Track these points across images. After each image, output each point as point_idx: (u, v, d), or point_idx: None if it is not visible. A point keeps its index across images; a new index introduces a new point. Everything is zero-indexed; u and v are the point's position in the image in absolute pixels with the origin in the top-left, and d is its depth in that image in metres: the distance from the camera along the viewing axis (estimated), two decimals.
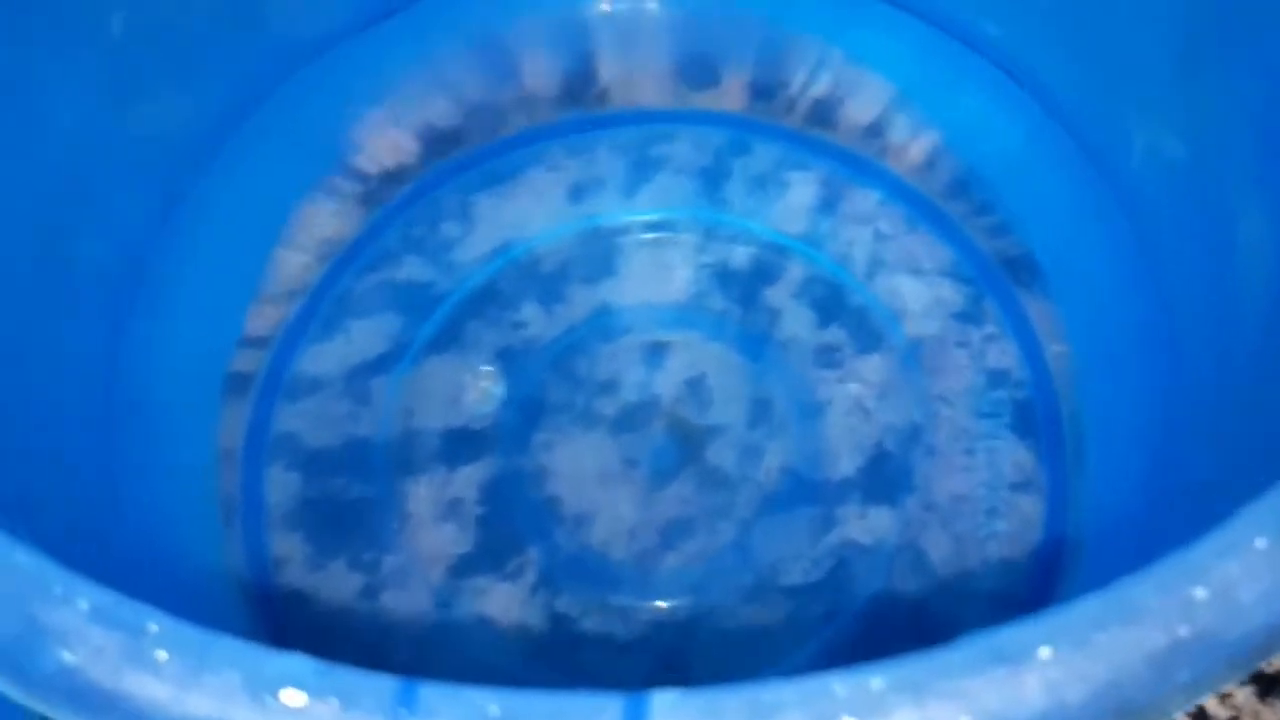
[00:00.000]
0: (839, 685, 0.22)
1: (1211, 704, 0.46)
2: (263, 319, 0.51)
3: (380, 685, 0.22)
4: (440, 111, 0.54)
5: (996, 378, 0.49)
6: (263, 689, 0.22)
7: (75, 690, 0.23)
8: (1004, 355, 0.50)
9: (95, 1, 0.44)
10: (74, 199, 0.45)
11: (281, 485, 0.49)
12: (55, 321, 0.44)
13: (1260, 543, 0.22)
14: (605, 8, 0.55)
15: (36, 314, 0.43)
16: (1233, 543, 0.23)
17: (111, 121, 0.46)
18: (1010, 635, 0.22)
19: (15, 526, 0.26)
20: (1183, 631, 0.22)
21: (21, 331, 0.42)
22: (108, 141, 0.46)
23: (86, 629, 0.23)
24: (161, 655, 0.23)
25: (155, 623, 0.23)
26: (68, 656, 0.23)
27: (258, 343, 0.51)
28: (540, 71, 0.55)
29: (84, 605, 0.23)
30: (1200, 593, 0.22)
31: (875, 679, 0.22)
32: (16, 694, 0.23)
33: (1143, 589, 0.22)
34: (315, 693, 0.22)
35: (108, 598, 0.23)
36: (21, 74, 0.42)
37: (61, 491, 0.41)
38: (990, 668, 0.22)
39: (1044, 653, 0.22)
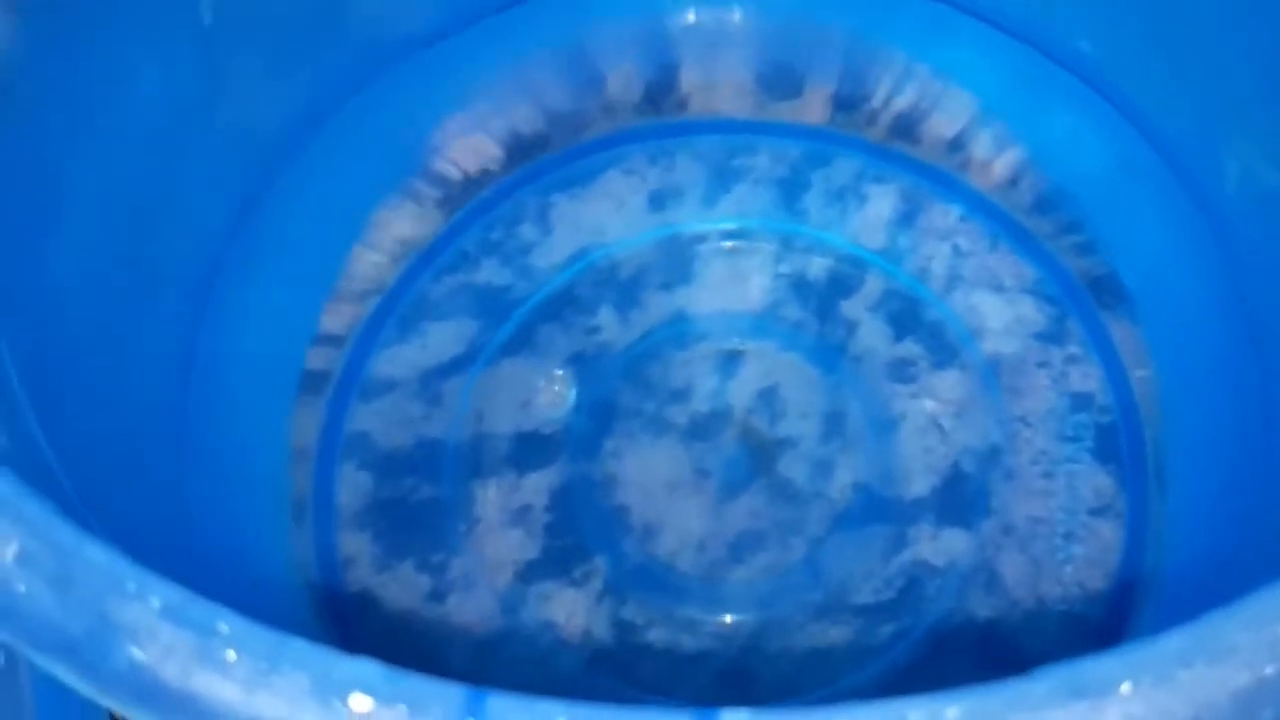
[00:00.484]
0: (914, 713, 0.21)
1: None
2: (339, 318, 0.51)
3: (448, 693, 0.22)
4: (523, 117, 0.54)
5: (1079, 400, 0.49)
6: (331, 693, 0.22)
7: (145, 688, 0.23)
8: (1087, 378, 0.49)
9: None
10: (160, 192, 0.45)
11: (352, 485, 0.49)
12: (136, 314, 0.44)
13: None
14: (690, 18, 0.55)
15: (119, 306, 0.43)
16: None
17: (199, 115, 0.46)
18: (1091, 668, 0.22)
19: (89, 519, 0.26)
20: (1269, 670, 0.21)
21: (103, 322, 0.42)
22: (195, 135, 0.46)
23: (158, 626, 0.23)
24: (231, 655, 0.23)
25: (226, 622, 0.23)
26: (138, 654, 0.23)
27: (333, 341, 0.51)
28: (623, 79, 0.55)
29: (155, 603, 0.23)
30: None
31: (951, 709, 0.21)
32: (87, 690, 0.23)
33: (1229, 626, 0.22)
34: (383, 699, 0.22)
35: (179, 596, 0.23)
36: (116, 65, 0.42)
37: (135, 484, 0.41)
38: (1070, 701, 0.21)
39: (1125, 688, 0.21)
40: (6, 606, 0.24)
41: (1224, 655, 0.22)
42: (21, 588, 0.24)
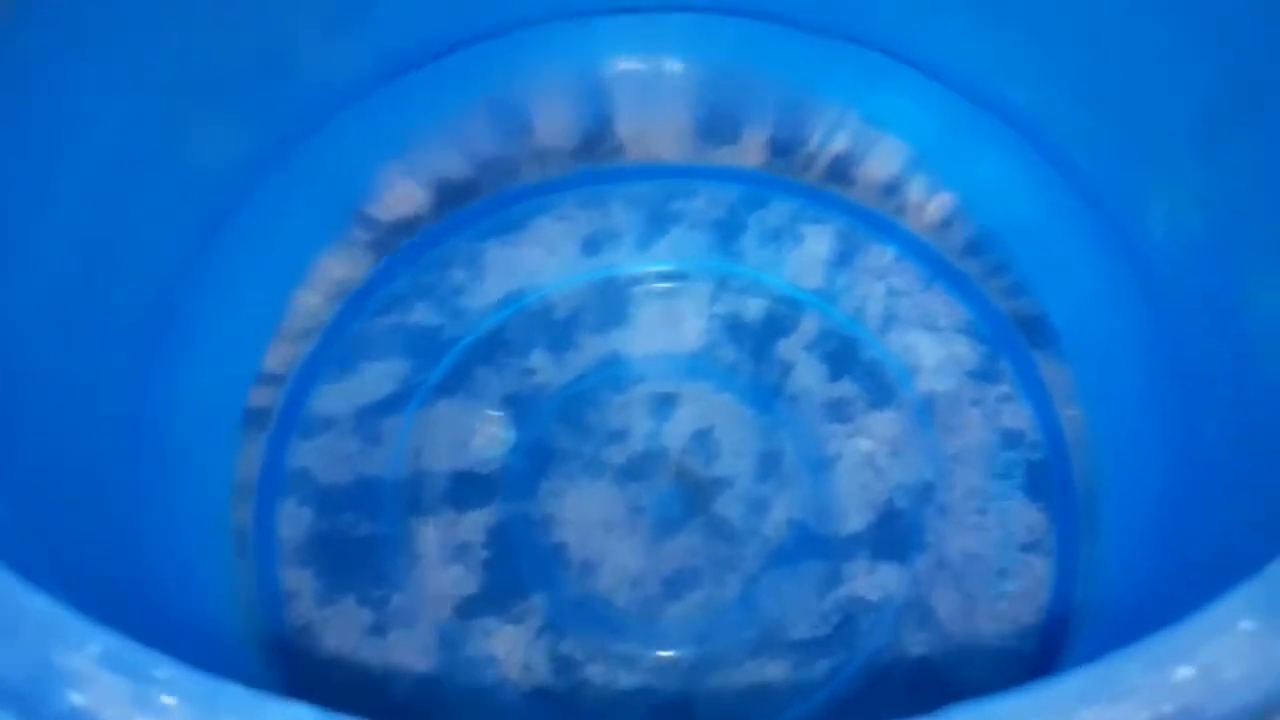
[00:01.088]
0: None
1: None
2: (280, 356, 0.52)
3: None
4: (452, 164, 0.55)
5: (1010, 438, 0.50)
6: None
7: None
8: (1018, 416, 0.50)
9: (143, 43, 0.45)
10: (113, 234, 0.45)
11: (294, 520, 0.49)
12: (89, 352, 0.44)
13: (1246, 624, 0.23)
14: (625, 66, 0.56)
15: (71, 344, 0.43)
16: (1220, 624, 0.23)
17: (152, 162, 0.47)
18: (996, 709, 0.22)
19: (33, 556, 0.26)
20: (1167, 709, 0.22)
21: (56, 361, 0.42)
22: (147, 181, 0.47)
23: (97, 673, 0.23)
24: (169, 700, 0.23)
25: (163, 669, 0.23)
26: (78, 699, 0.23)
27: (275, 379, 0.51)
28: (555, 126, 0.55)
29: (95, 649, 0.23)
30: (1185, 671, 0.22)
31: None
32: None
33: (1130, 666, 0.22)
34: None
35: (118, 643, 0.23)
36: (72, 112, 0.43)
37: (85, 518, 0.42)
38: None
39: None
40: None
41: (1124, 695, 0.22)
42: None
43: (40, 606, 0.24)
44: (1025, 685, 0.22)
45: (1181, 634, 0.23)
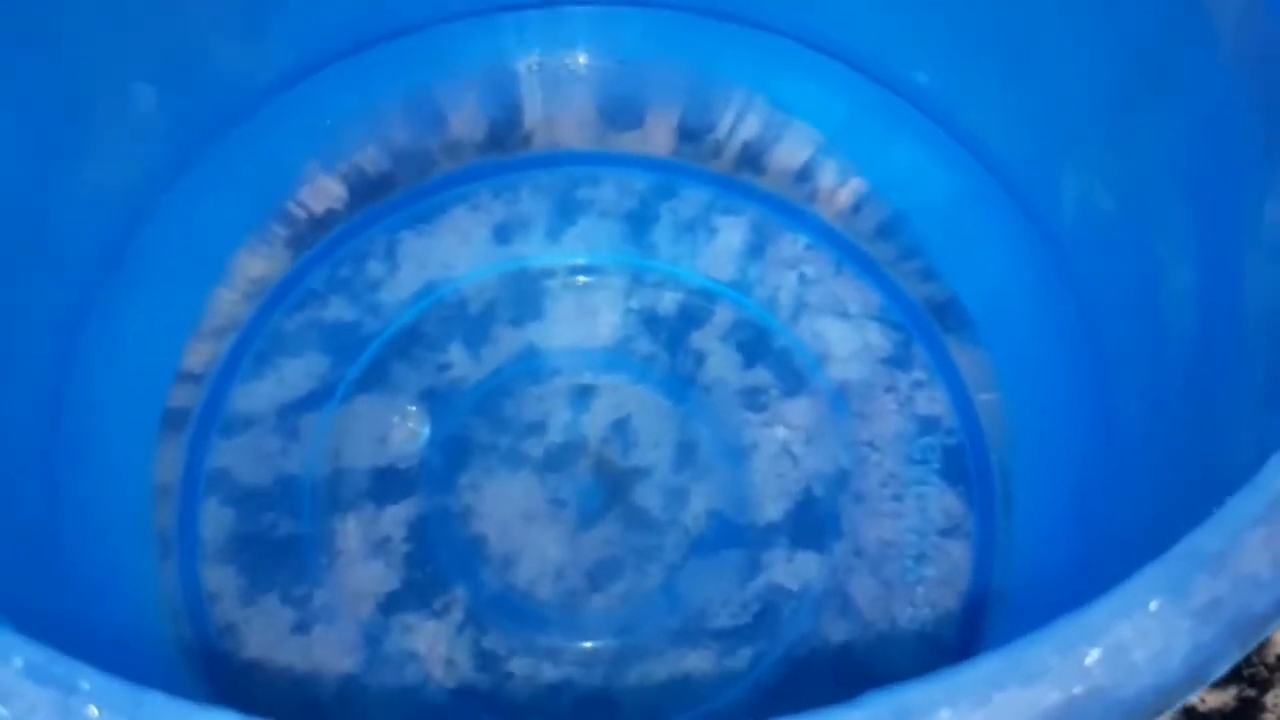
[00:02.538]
0: None
1: None
2: (198, 355, 0.51)
3: None
4: (369, 158, 0.55)
5: (926, 424, 0.50)
6: None
7: None
8: (933, 401, 0.50)
9: (46, 52, 0.45)
10: (25, 239, 0.45)
11: (216, 520, 0.49)
12: (4, 354, 0.44)
13: (1154, 605, 0.23)
14: (534, 60, 0.56)
15: None
16: (1128, 604, 0.23)
17: (62, 164, 0.46)
18: (912, 694, 0.23)
19: None
20: (1077, 690, 0.22)
21: None
22: (59, 184, 0.46)
23: (21, 685, 0.23)
24: (93, 711, 0.23)
25: (87, 680, 0.23)
26: (3, 713, 0.23)
27: (194, 379, 0.51)
28: (466, 118, 0.56)
29: (18, 662, 0.23)
30: (1095, 653, 0.23)
31: None
32: None
33: (1041, 649, 0.23)
34: None
35: (41, 655, 0.23)
36: None
37: (5, 521, 0.42)
38: None
39: (945, 714, 0.22)
40: None
41: (1036, 677, 0.23)
42: None
43: None
44: (939, 671, 0.23)
45: (1091, 615, 0.23)
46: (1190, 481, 0.37)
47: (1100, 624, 0.23)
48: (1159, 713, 0.23)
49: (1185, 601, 0.23)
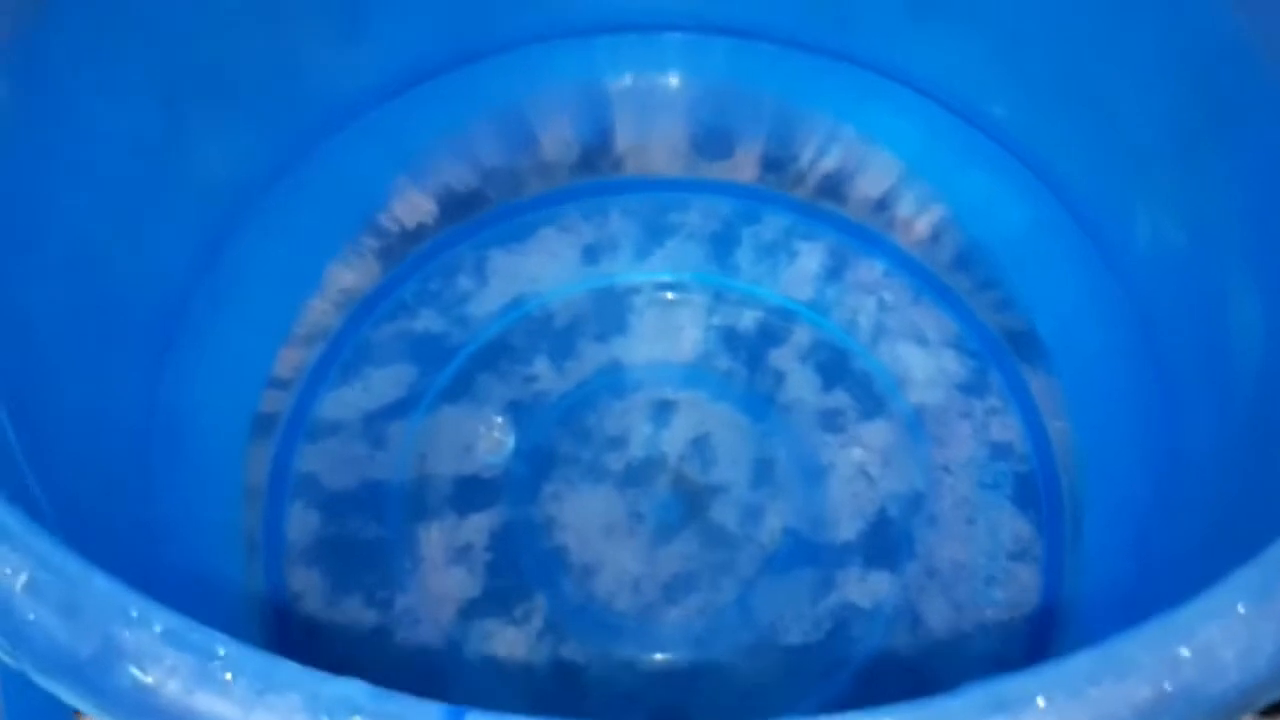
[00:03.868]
0: None
1: None
2: (288, 363, 0.52)
3: (430, 711, 0.24)
4: (459, 176, 0.56)
5: (999, 450, 0.51)
6: (321, 710, 0.24)
7: (148, 707, 0.24)
8: (1006, 428, 0.51)
9: (148, 53, 0.46)
10: (123, 240, 0.46)
11: (301, 523, 0.50)
12: (104, 355, 0.45)
13: (1241, 607, 0.24)
14: (627, 81, 0.57)
15: (88, 346, 0.44)
16: (1216, 606, 0.24)
17: (160, 169, 0.47)
18: (1010, 685, 0.24)
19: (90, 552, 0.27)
20: (1169, 686, 0.23)
21: (75, 362, 0.43)
22: (156, 188, 0.47)
23: (160, 650, 0.24)
24: (228, 676, 0.24)
25: (223, 646, 0.24)
26: (141, 676, 0.24)
27: (284, 385, 0.52)
28: (558, 139, 0.56)
29: (158, 628, 0.25)
30: (1185, 651, 0.24)
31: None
32: (92, 710, 0.25)
33: (1133, 646, 0.24)
34: (369, 715, 0.24)
35: (179, 622, 0.25)
36: (83, 119, 0.44)
37: (106, 517, 0.42)
38: (991, 714, 0.23)
39: (1041, 702, 0.23)
40: (15, 633, 0.25)
41: (1128, 672, 0.23)
42: (31, 616, 0.25)
43: (103, 586, 0.25)
44: (1035, 666, 0.24)
45: (1181, 616, 0.24)
46: (1254, 513, 0.38)
47: (1191, 624, 0.24)
48: (1244, 710, 0.24)
49: (1271, 605, 0.24)
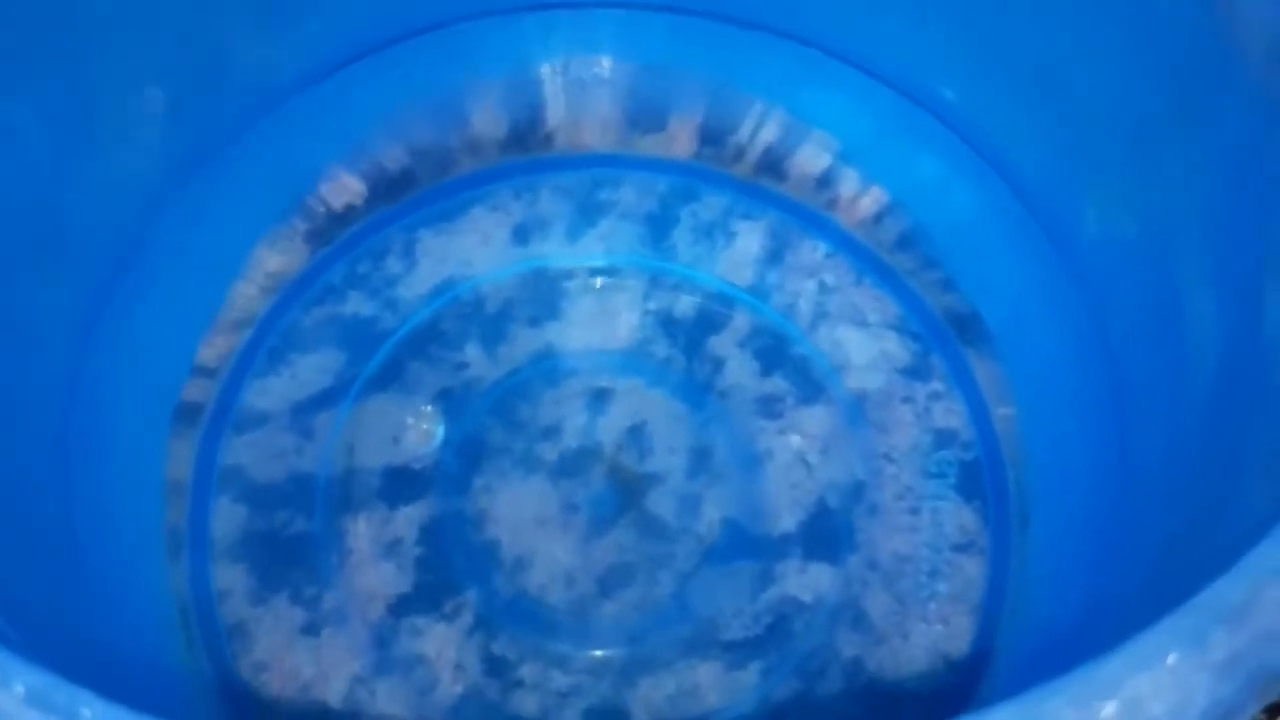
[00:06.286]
0: None
1: None
2: (213, 350, 0.51)
3: None
4: (391, 155, 0.54)
5: (943, 437, 0.50)
6: None
7: None
8: (951, 414, 0.50)
9: (67, 44, 0.44)
10: (40, 233, 0.45)
11: (228, 518, 0.49)
12: (16, 346, 0.44)
13: (1172, 658, 0.23)
14: (559, 59, 0.55)
15: (1, 341, 0.43)
16: (1145, 657, 0.23)
17: (77, 158, 0.46)
18: None
19: None
20: None
21: None
22: (76, 178, 0.46)
23: (22, 712, 0.23)
24: None
25: (88, 707, 0.23)
26: None
27: (208, 373, 0.51)
28: (488, 116, 0.55)
29: (19, 689, 0.23)
30: (1111, 708, 0.23)
31: None
32: None
33: (1055, 702, 0.23)
34: None
35: (42, 681, 0.23)
36: None
37: (15, 518, 0.41)
38: None
39: None
40: None
41: None
42: None
43: None
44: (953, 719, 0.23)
45: (1108, 667, 0.23)
46: (1206, 509, 0.37)
47: (1117, 676, 0.23)
48: None
49: (1204, 655, 0.23)
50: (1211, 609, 0.23)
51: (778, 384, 0.51)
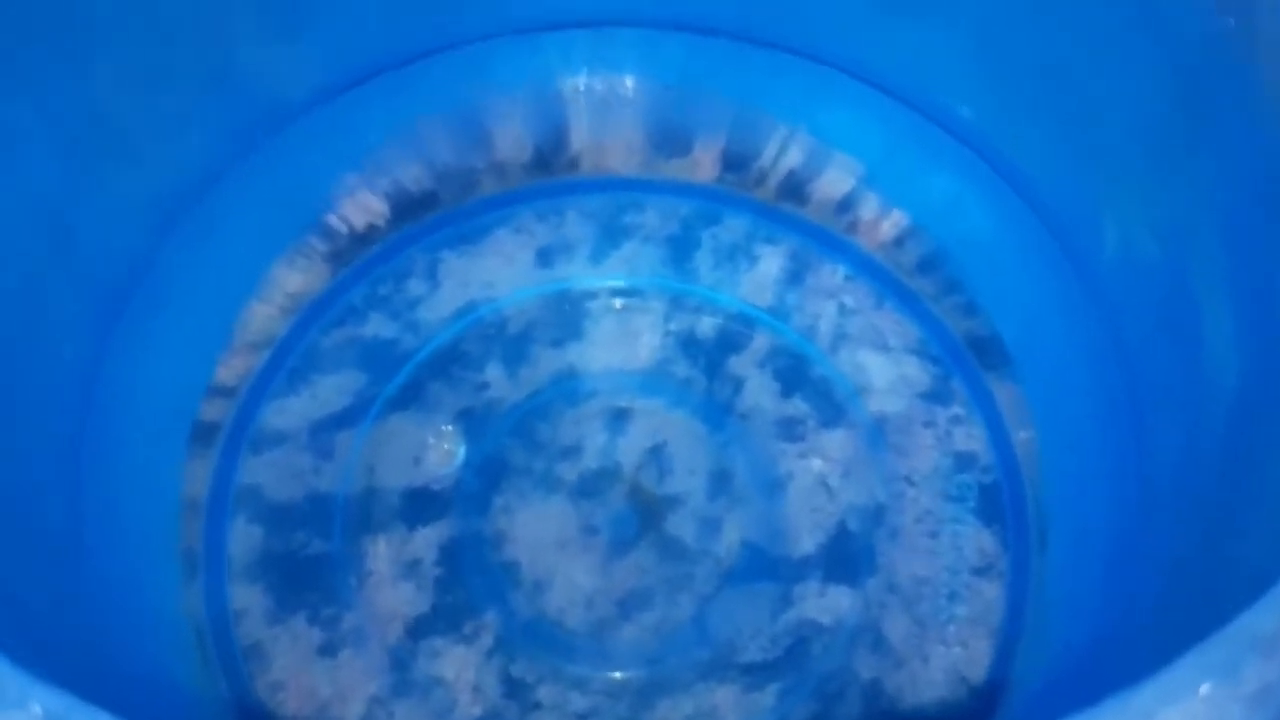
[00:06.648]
0: None
1: None
2: (231, 369, 0.51)
3: None
4: (412, 175, 0.54)
5: (963, 460, 0.50)
6: None
7: None
8: (971, 438, 0.50)
9: (80, 56, 0.44)
10: (52, 249, 0.45)
11: (244, 538, 0.49)
12: (31, 365, 0.44)
13: (1204, 689, 0.23)
14: (582, 82, 0.55)
15: (13, 356, 0.43)
16: (1177, 688, 0.23)
17: (95, 175, 0.46)
18: None
19: None
20: None
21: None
22: (87, 193, 0.46)
23: None
24: None
25: None
26: None
27: (225, 393, 0.51)
28: (512, 138, 0.55)
29: (37, 709, 0.23)
30: None
31: None
32: None
33: None
34: None
35: (60, 702, 0.23)
36: (4, 129, 0.42)
37: (30, 536, 0.41)
38: None
39: None
40: None
41: None
42: None
43: None
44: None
45: (1140, 698, 0.23)
46: (1224, 530, 0.37)
47: (1149, 708, 0.23)
48: None
49: (1236, 686, 0.23)
50: (1243, 639, 0.23)
51: (798, 406, 0.51)
